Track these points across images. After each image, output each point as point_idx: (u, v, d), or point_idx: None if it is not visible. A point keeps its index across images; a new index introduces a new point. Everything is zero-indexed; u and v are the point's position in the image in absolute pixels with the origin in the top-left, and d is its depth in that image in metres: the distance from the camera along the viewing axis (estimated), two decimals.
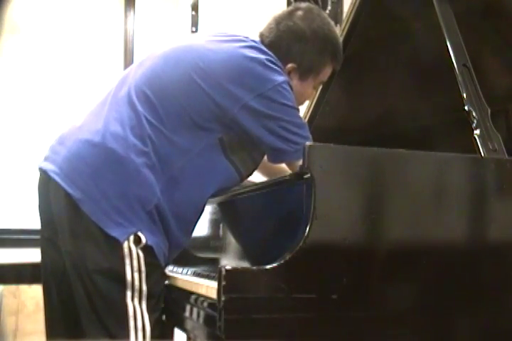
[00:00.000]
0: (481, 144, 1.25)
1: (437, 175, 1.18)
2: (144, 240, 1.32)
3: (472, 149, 1.26)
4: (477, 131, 1.27)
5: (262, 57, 1.43)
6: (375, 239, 1.12)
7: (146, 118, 1.37)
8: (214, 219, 1.68)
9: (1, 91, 3.66)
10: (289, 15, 1.57)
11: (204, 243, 1.72)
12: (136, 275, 1.31)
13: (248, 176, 1.54)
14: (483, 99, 1.31)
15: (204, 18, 3.94)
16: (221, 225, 1.60)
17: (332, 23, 1.62)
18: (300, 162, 1.29)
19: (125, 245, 1.30)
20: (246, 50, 1.44)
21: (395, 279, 1.12)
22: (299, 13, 1.57)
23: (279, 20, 1.57)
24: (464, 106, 1.31)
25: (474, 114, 1.29)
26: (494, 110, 1.31)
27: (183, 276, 1.50)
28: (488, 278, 1.18)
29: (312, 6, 1.66)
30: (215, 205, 1.67)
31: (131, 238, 1.31)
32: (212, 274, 1.31)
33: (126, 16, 4.59)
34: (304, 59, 1.54)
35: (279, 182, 1.28)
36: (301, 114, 1.88)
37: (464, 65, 1.34)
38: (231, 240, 1.54)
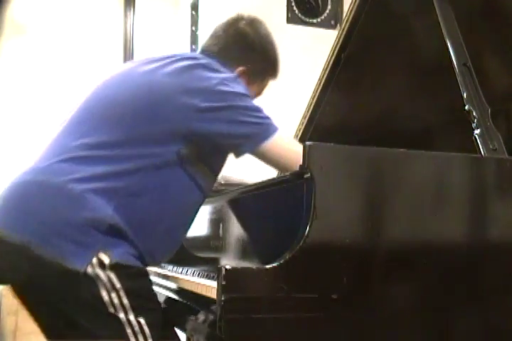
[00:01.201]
0: (481, 144, 1.25)
1: (437, 174, 1.18)
2: (107, 260, 1.28)
3: (472, 149, 1.26)
4: (477, 131, 1.27)
5: (203, 61, 1.46)
6: (375, 239, 1.12)
7: (89, 144, 1.36)
8: (214, 219, 1.68)
9: (1, 91, 3.66)
10: (235, 22, 1.62)
11: (204, 243, 1.72)
12: (113, 294, 1.28)
13: (210, 191, 1.52)
14: (483, 99, 1.31)
15: (204, 18, 3.94)
16: (221, 225, 1.60)
17: (271, 34, 1.68)
18: (273, 142, 1.34)
19: (90, 271, 1.27)
20: (186, 62, 1.45)
21: (395, 279, 1.12)
22: (244, 21, 1.62)
23: (225, 28, 1.62)
24: (464, 105, 1.31)
25: (474, 113, 1.29)
26: (494, 110, 1.31)
27: (183, 276, 1.50)
28: (489, 278, 1.18)
29: (254, 16, 1.70)
30: (215, 205, 1.67)
31: (94, 261, 1.27)
32: (212, 274, 1.31)
33: (125, 16, 4.59)
34: (254, 63, 1.58)
35: (279, 182, 1.28)
36: (301, 114, 1.88)
37: (464, 65, 1.34)
38: (231, 240, 1.54)
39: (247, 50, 1.59)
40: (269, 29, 1.67)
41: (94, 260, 1.28)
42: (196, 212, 1.48)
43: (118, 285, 1.29)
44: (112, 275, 1.29)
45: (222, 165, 1.51)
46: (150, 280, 1.41)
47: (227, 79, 1.42)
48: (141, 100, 1.40)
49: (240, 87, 1.43)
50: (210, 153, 1.44)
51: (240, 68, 1.56)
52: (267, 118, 1.42)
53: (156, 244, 1.41)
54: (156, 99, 1.39)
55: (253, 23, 1.64)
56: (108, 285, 1.29)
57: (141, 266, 1.38)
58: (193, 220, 1.49)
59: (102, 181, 1.33)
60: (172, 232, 1.45)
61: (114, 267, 1.30)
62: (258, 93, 1.67)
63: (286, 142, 1.45)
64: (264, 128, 1.39)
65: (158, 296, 1.54)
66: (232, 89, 1.40)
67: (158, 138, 1.37)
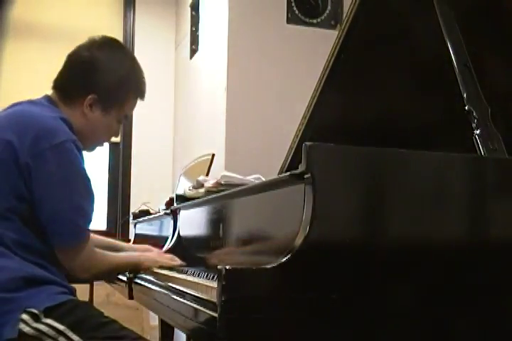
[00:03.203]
0: (481, 144, 1.25)
1: (437, 174, 1.17)
2: (37, 311, 1.29)
3: (472, 149, 1.26)
4: (477, 131, 1.27)
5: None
6: (375, 239, 1.12)
7: None
8: (214, 219, 1.68)
9: (2, 91, 3.66)
10: (83, 47, 1.61)
11: (204, 243, 1.72)
12: (61, 338, 1.29)
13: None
14: (483, 99, 1.31)
15: (204, 18, 3.94)
16: (221, 225, 1.60)
17: (132, 55, 1.68)
18: (79, 252, 1.41)
19: (28, 330, 1.27)
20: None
21: (395, 279, 1.12)
22: (95, 44, 1.60)
23: (71, 55, 1.61)
24: (464, 105, 1.31)
25: (474, 113, 1.29)
26: (494, 110, 1.31)
27: (183, 276, 1.50)
28: (489, 278, 1.18)
29: (110, 37, 1.68)
30: (215, 205, 1.67)
31: (26, 318, 1.28)
32: (212, 274, 1.31)
33: (125, 16, 4.59)
34: (104, 89, 1.56)
35: (279, 182, 1.28)
36: (301, 114, 1.88)
37: (465, 65, 1.34)
38: (231, 240, 1.54)
39: (95, 77, 1.56)
40: (125, 50, 1.69)
41: (26, 317, 1.28)
42: None
43: (61, 326, 1.29)
44: (50, 321, 1.29)
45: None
46: (80, 301, 1.42)
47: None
48: None
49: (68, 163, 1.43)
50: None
51: (90, 96, 1.55)
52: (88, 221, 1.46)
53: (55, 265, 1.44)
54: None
55: (104, 46, 1.62)
56: (52, 332, 1.28)
57: (68, 296, 1.39)
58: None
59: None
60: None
61: (48, 312, 1.30)
62: (125, 116, 1.66)
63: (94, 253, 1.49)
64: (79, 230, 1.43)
65: (159, 296, 1.54)
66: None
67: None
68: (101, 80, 1.57)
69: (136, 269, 1.71)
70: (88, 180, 1.48)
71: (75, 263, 1.45)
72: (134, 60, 1.66)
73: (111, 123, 1.62)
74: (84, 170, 1.48)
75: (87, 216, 1.46)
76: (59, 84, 1.60)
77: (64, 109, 1.56)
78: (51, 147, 1.40)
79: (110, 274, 1.75)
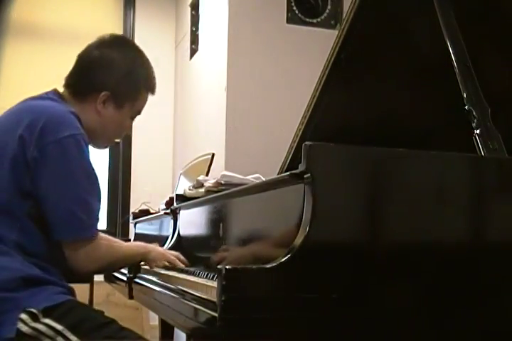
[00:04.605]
0: (481, 143, 1.25)
1: (438, 174, 1.17)
2: (36, 311, 1.29)
3: (472, 148, 1.26)
4: (477, 131, 1.27)
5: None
6: (375, 239, 1.12)
7: None
8: (214, 218, 1.68)
9: (2, 92, 3.66)
10: (93, 46, 1.63)
11: (204, 243, 1.72)
12: (59, 338, 1.28)
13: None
14: (483, 99, 1.31)
15: (204, 18, 3.94)
16: (221, 225, 1.60)
17: (141, 50, 1.69)
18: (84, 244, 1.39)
19: (26, 330, 1.27)
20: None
21: (395, 279, 1.12)
22: (105, 43, 1.63)
23: (81, 54, 1.63)
24: (464, 105, 1.31)
25: (474, 113, 1.29)
26: (494, 110, 1.31)
27: (182, 276, 1.50)
28: (489, 278, 1.18)
29: (119, 35, 1.74)
30: (215, 205, 1.67)
31: (25, 318, 1.28)
32: (212, 274, 1.31)
33: (125, 16, 4.59)
34: (116, 86, 1.58)
35: (278, 181, 1.28)
36: (300, 113, 1.88)
37: (465, 65, 1.34)
38: (231, 240, 1.54)
39: (107, 74, 1.59)
40: (139, 48, 1.70)
41: (24, 316, 1.28)
42: None
43: (59, 326, 1.29)
44: (49, 321, 1.29)
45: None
46: (79, 302, 1.42)
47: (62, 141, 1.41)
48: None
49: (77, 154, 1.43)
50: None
51: (104, 93, 1.57)
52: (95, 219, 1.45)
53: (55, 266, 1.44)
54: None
55: (114, 43, 1.65)
56: (50, 332, 1.28)
57: (67, 296, 1.39)
58: None
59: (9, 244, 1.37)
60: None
61: (47, 312, 1.30)
62: (134, 115, 1.67)
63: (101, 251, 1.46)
64: (86, 225, 1.42)
65: (159, 295, 1.54)
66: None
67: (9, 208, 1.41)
68: (112, 78, 1.59)
69: (143, 260, 1.69)
70: (94, 176, 1.47)
71: (78, 256, 1.43)
72: (143, 56, 1.68)
73: (124, 119, 1.63)
74: (91, 165, 1.47)
75: (91, 211, 1.44)
76: (71, 82, 1.62)
77: (75, 105, 1.57)
78: (56, 141, 1.40)
79: (119, 266, 1.73)
